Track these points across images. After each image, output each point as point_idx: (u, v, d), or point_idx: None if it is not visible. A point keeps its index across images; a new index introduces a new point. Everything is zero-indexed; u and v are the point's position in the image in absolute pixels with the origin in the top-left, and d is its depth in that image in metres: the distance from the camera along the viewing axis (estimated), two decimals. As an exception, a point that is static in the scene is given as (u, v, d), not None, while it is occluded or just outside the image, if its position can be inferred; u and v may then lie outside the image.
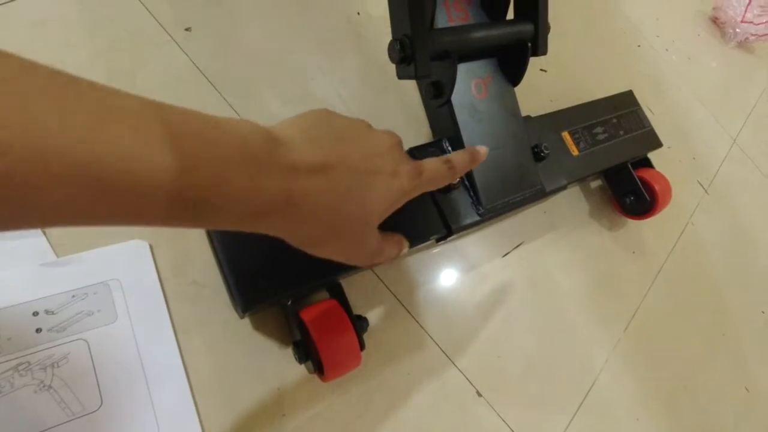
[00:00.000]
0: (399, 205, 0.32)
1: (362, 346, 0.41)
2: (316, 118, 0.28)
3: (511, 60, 0.51)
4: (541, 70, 0.75)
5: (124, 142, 0.17)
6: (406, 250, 0.36)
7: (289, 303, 0.41)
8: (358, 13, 0.63)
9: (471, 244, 0.58)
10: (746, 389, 0.70)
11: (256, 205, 0.23)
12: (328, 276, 0.42)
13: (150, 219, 0.19)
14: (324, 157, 0.26)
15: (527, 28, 0.50)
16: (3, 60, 0.15)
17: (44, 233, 0.40)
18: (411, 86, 0.61)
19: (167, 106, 0.19)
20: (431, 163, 0.34)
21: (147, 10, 0.51)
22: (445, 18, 0.49)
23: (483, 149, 0.39)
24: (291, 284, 0.39)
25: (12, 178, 0.14)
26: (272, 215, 0.24)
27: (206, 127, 0.20)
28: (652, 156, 0.69)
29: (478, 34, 0.47)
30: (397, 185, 0.30)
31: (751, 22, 1.03)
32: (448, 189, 0.49)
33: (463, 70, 0.49)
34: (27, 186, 0.15)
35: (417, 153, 0.49)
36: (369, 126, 0.31)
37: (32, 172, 0.15)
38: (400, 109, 0.60)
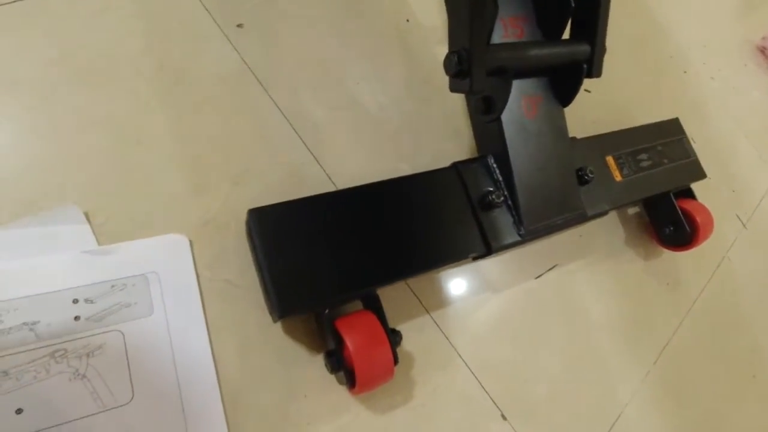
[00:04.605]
0: None
1: (396, 361, 0.40)
2: None
3: (564, 80, 0.50)
4: (585, 90, 0.74)
5: None
6: None
7: (326, 311, 0.40)
8: (408, 20, 0.63)
9: (505, 263, 0.56)
10: (775, 435, 0.67)
11: None
12: (368, 286, 0.41)
13: None
14: None
15: (583, 48, 0.49)
16: None
17: (88, 220, 0.40)
18: (453, 98, 0.60)
19: None
20: None
21: (202, 4, 0.51)
22: (501, 33, 0.48)
23: None
24: (330, 293, 0.39)
25: None
26: None
27: None
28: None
29: (535, 52, 0.46)
30: None
31: (801, 56, 1.00)
32: (490, 206, 0.48)
33: (514, 87, 0.48)
34: None
35: (461, 167, 0.49)
36: None
37: None
38: (441, 121, 0.59)
